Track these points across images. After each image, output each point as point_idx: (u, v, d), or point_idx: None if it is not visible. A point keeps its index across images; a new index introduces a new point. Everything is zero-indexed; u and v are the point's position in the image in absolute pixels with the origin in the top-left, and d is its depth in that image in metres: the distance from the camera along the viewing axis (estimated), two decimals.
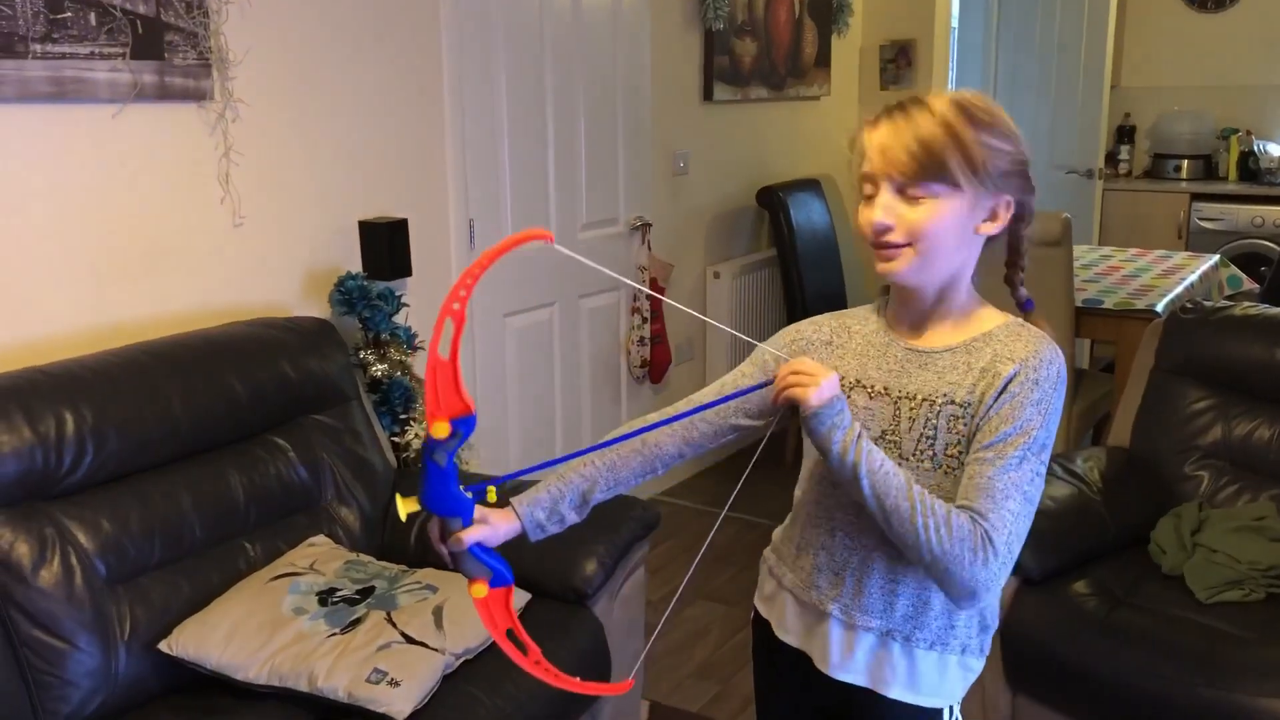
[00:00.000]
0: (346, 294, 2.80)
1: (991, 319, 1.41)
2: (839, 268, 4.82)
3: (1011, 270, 1.44)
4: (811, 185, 4.79)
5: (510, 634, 1.35)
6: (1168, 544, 2.49)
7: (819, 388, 1.29)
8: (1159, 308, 3.59)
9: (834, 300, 4.72)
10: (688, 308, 4.30)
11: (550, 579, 2.31)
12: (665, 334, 4.10)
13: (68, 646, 1.94)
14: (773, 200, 4.51)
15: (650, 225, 3.97)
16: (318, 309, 2.82)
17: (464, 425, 1.24)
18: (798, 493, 1.54)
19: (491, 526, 1.38)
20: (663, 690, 2.95)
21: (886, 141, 1.32)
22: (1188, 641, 2.21)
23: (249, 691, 1.96)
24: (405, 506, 1.30)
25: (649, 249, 3.97)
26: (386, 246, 2.91)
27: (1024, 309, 1.44)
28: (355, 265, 2.91)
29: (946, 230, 1.32)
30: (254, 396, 2.35)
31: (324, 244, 2.85)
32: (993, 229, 1.36)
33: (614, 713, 2.45)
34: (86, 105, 2.27)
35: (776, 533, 1.60)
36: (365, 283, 2.83)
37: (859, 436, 1.30)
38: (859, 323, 1.49)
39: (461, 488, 1.31)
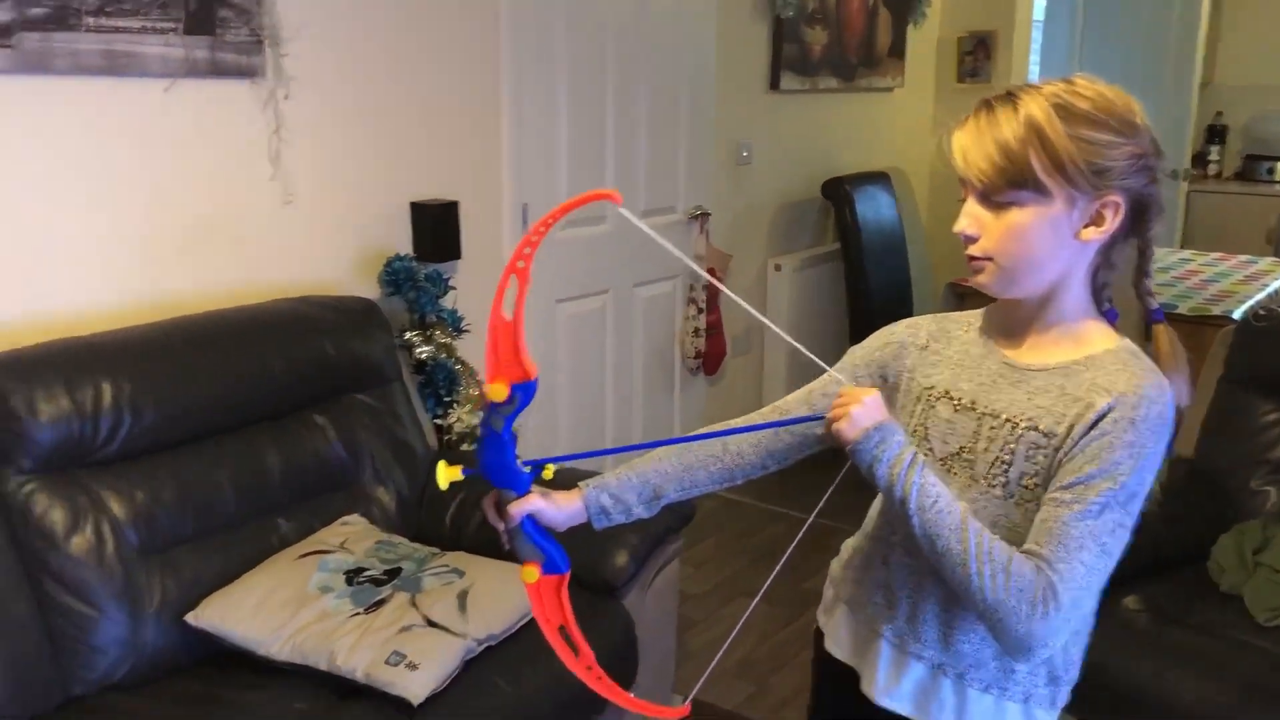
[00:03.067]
0: (394, 275, 2.80)
1: (1102, 340, 1.27)
2: (905, 265, 4.71)
3: (1139, 277, 1.31)
4: (880, 178, 4.68)
5: (563, 632, 1.29)
6: (1228, 562, 2.37)
7: (851, 419, 1.21)
8: (1236, 315, 3.43)
9: (899, 298, 4.61)
10: (746, 301, 4.25)
11: (580, 568, 2.24)
12: (722, 325, 4.04)
13: (97, 614, 1.97)
14: (838, 193, 4.43)
15: (709, 215, 3.92)
16: (366, 289, 2.82)
17: (523, 391, 1.19)
18: (875, 504, 1.47)
19: (552, 503, 1.33)
20: (694, 686, 2.90)
21: (968, 145, 1.22)
22: (1243, 665, 2.11)
23: (271, 667, 1.96)
24: (446, 474, 1.24)
25: (707, 239, 3.92)
26: (437, 229, 2.90)
27: (1151, 321, 1.32)
28: (405, 246, 2.91)
29: (1033, 241, 1.21)
30: (293, 373, 2.36)
31: (374, 224, 2.85)
32: (1099, 234, 1.22)
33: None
34: (138, 80, 2.29)
35: (846, 542, 1.53)
36: (414, 264, 2.82)
37: (909, 467, 1.20)
38: (961, 329, 1.38)
39: (520, 462, 1.26)
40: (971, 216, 1.24)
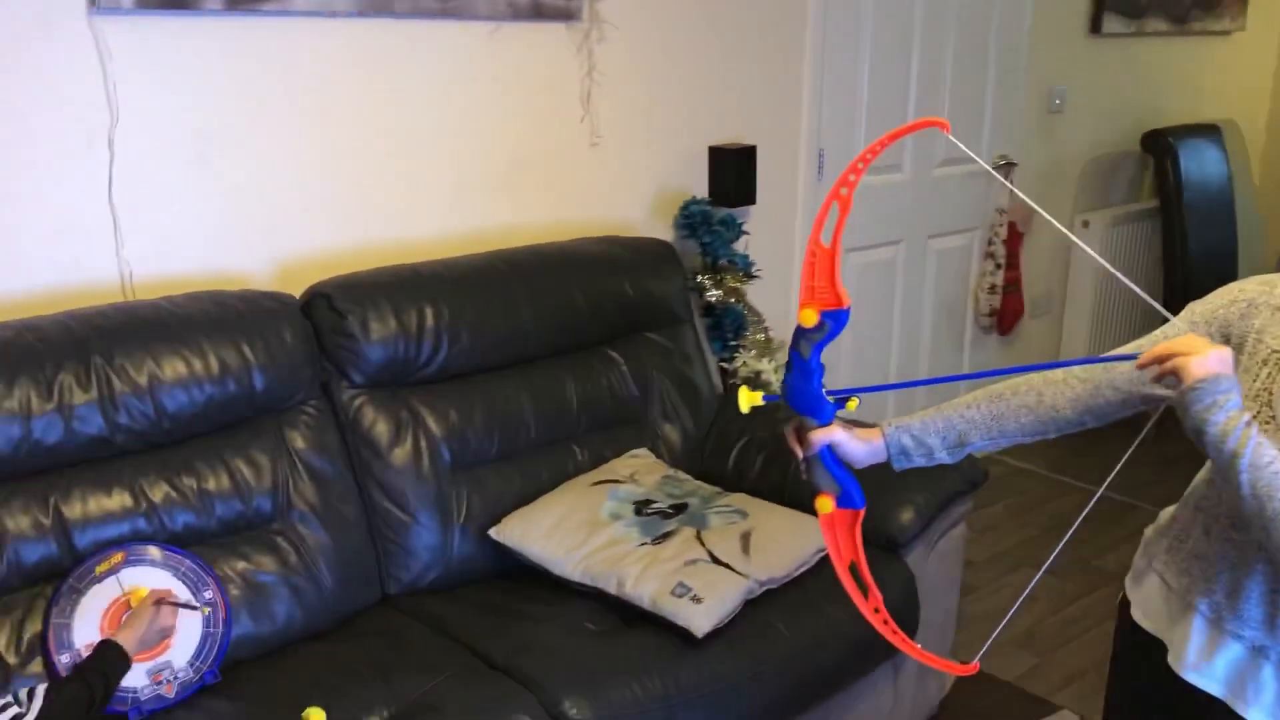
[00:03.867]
0: (690, 218, 2.84)
1: None
2: (1233, 227, 4.29)
3: None
4: (1209, 131, 4.28)
5: (853, 570, 1.28)
6: None
7: (1205, 358, 1.11)
8: None
9: (1223, 264, 4.22)
10: (1049, 258, 4.02)
11: (865, 522, 2.25)
12: (1020, 284, 3.85)
13: (412, 521, 2.13)
14: (1160, 146, 4.09)
15: (1015, 165, 3.72)
16: (662, 231, 2.88)
17: (834, 318, 1.18)
18: (1201, 472, 1.37)
19: (853, 436, 1.32)
20: (974, 652, 2.81)
21: None
22: None
23: (562, 585, 2.07)
24: (748, 398, 1.27)
25: (1011, 191, 3.73)
26: (734, 173, 2.91)
27: None
28: (702, 190, 2.94)
29: None
30: (594, 310, 2.45)
31: (673, 167, 2.90)
32: None
33: (918, 669, 2.37)
34: (467, 22, 2.42)
35: (1166, 510, 1.44)
36: (709, 208, 2.85)
37: (1248, 424, 1.10)
38: None
39: (825, 392, 1.26)
40: None
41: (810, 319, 1.18)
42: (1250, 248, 4.38)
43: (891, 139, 1.16)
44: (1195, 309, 1.32)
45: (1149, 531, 1.44)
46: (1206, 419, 1.11)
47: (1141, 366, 1.17)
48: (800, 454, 1.30)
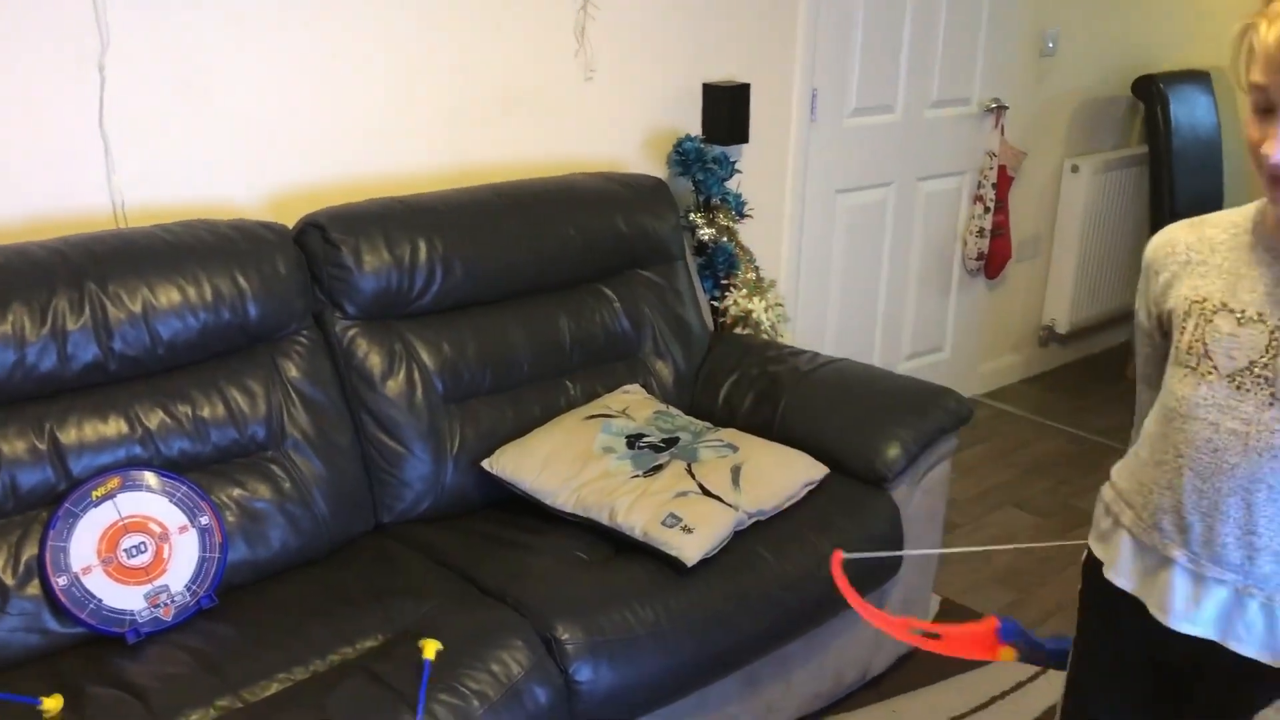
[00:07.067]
0: (683, 155, 2.83)
1: None
2: (1219, 175, 4.31)
3: None
4: (1199, 78, 4.28)
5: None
6: None
7: None
8: None
9: (1210, 209, 4.23)
10: (1037, 203, 4.03)
11: (852, 457, 2.29)
12: (1009, 227, 3.86)
13: (405, 452, 2.15)
14: (1151, 91, 4.08)
15: (1006, 108, 3.71)
16: (655, 168, 2.88)
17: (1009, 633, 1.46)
18: (1147, 424, 1.38)
19: None
20: (956, 588, 2.88)
21: None
22: None
23: (554, 516, 2.09)
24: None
25: (1002, 133, 3.73)
26: (727, 111, 2.90)
27: None
28: (695, 128, 2.93)
29: None
30: (588, 246, 2.45)
31: (667, 104, 2.88)
32: None
33: (903, 601, 2.42)
34: None
35: (1116, 466, 1.44)
36: (702, 145, 2.85)
37: None
38: (1226, 233, 1.28)
39: None
40: None
41: (1009, 654, 1.39)
42: (1236, 198, 4.39)
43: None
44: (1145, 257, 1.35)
45: (1106, 491, 1.44)
46: None
47: None
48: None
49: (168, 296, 1.90)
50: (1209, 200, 4.26)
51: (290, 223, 2.18)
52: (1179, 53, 4.40)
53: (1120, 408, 3.84)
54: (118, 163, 2.06)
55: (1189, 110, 4.16)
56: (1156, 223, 4.13)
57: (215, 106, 2.16)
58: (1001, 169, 3.76)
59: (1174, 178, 4.09)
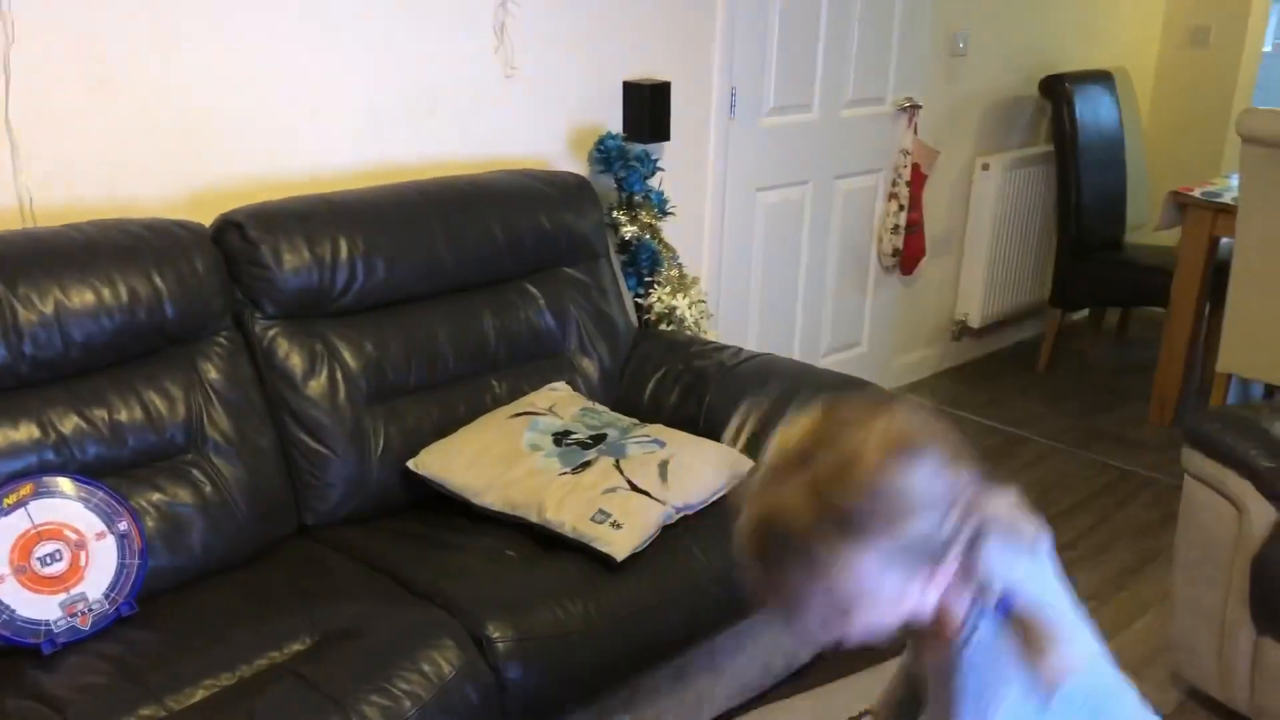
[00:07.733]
0: (605, 153, 2.84)
1: None
2: (1122, 171, 4.46)
3: None
4: (1102, 78, 4.42)
5: None
6: None
7: None
8: None
9: (1112, 206, 4.39)
10: (949, 200, 4.13)
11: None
12: (922, 224, 3.94)
13: (329, 453, 2.12)
14: (1057, 91, 4.21)
15: (919, 107, 3.79)
16: (577, 165, 2.88)
17: None
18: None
19: None
20: None
21: None
22: None
23: (483, 515, 2.09)
24: None
25: (915, 132, 3.81)
26: (647, 109, 2.91)
27: None
28: (616, 125, 2.94)
29: None
30: (512, 243, 2.44)
31: (588, 101, 2.89)
32: None
33: None
34: None
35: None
36: (624, 143, 2.86)
37: None
38: None
39: None
40: None
41: None
42: (1137, 193, 4.55)
43: None
44: None
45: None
46: None
47: None
48: None
49: (80, 298, 1.84)
50: (1113, 194, 4.40)
51: (208, 221, 2.13)
52: (1083, 54, 4.54)
53: (1030, 399, 3.95)
54: (26, 160, 2.00)
55: (1093, 109, 4.29)
56: (1064, 216, 4.26)
57: (127, 102, 2.11)
58: (915, 167, 3.84)
59: (1080, 174, 4.22)
